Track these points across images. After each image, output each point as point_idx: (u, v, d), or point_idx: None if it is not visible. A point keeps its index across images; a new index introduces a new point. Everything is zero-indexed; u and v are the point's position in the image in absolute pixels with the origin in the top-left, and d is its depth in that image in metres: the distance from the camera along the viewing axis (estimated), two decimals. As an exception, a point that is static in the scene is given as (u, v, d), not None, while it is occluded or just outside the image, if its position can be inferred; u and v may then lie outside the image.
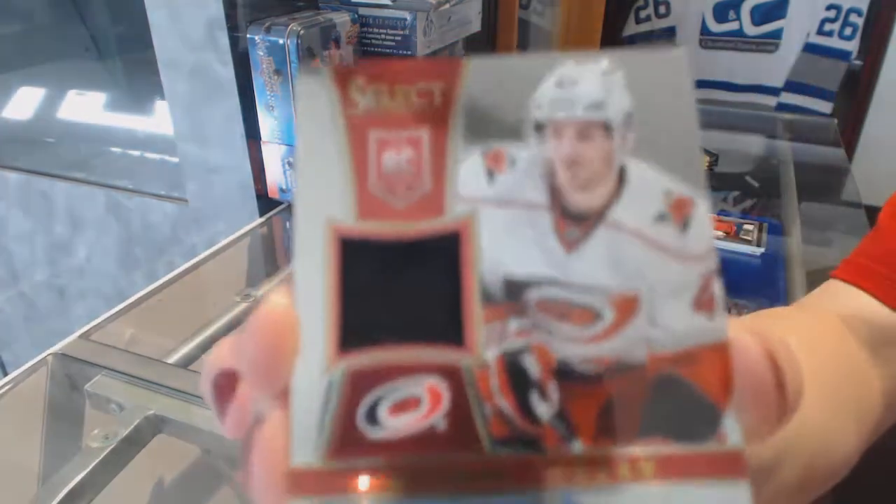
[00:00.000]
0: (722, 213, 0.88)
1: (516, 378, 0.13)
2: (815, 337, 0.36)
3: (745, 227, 0.81)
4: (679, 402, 0.13)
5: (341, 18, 0.79)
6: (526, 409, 0.13)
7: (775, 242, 0.80)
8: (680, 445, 0.13)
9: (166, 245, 0.96)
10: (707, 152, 1.02)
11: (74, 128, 1.25)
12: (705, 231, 0.14)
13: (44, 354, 0.55)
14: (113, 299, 1.08)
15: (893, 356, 0.36)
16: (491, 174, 0.14)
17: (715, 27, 1.74)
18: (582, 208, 0.14)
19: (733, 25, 1.71)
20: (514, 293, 0.14)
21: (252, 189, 0.83)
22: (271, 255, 0.81)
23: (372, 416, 0.13)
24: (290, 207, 0.85)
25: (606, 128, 0.14)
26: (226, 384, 0.15)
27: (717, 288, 0.14)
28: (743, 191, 1.00)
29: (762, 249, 0.77)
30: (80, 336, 0.57)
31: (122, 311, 0.62)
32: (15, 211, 1.07)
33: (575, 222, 0.14)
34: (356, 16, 0.82)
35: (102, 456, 0.44)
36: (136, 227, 0.97)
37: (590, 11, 1.48)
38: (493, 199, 0.14)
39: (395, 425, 0.13)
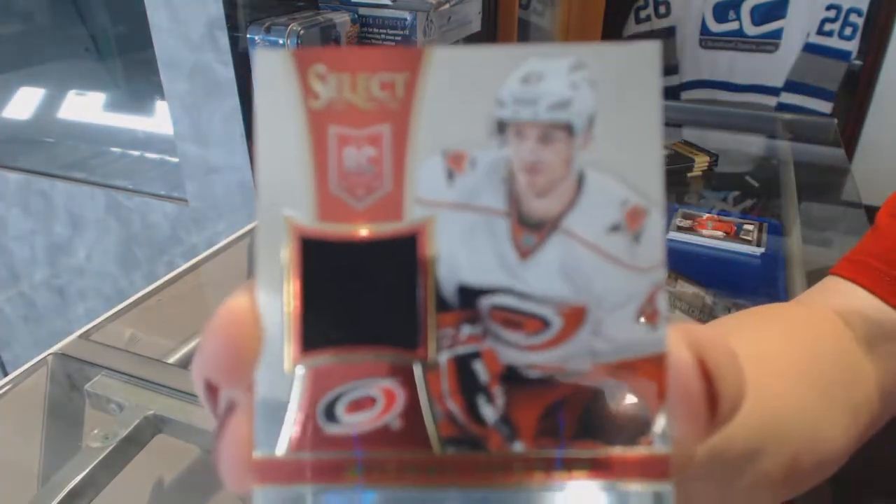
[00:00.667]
0: (722, 213, 0.88)
1: (465, 382, 0.14)
2: (810, 333, 0.36)
3: (745, 227, 0.81)
4: (614, 409, 0.14)
5: (341, 18, 0.79)
6: (473, 412, 0.14)
7: (775, 242, 0.80)
8: (612, 448, 0.14)
9: (166, 245, 0.96)
10: (707, 152, 1.03)
11: (74, 128, 1.25)
12: (657, 243, 0.14)
13: (44, 354, 0.55)
14: (113, 299, 1.08)
15: (891, 352, 0.36)
16: (451, 175, 0.14)
17: (715, 27, 1.74)
18: (539, 215, 0.14)
19: (733, 25, 1.71)
20: (467, 300, 0.14)
21: (252, 189, 0.83)
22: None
23: (330, 413, 0.14)
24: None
25: (569, 130, 0.14)
26: (212, 390, 0.15)
27: (662, 300, 0.14)
28: (743, 191, 1.00)
29: (762, 249, 0.77)
30: (80, 336, 0.57)
31: (122, 311, 0.62)
32: (15, 211, 1.07)
33: (531, 230, 0.14)
34: (356, 16, 0.82)
35: (102, 456, 0.44)
36: (136, 227, 0.97)
37: (590, 11, 1.48)
38: (451, 202, 0.14)
39: (351, 422, 0.14)
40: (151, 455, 0.48)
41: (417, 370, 0.14)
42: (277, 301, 0.14)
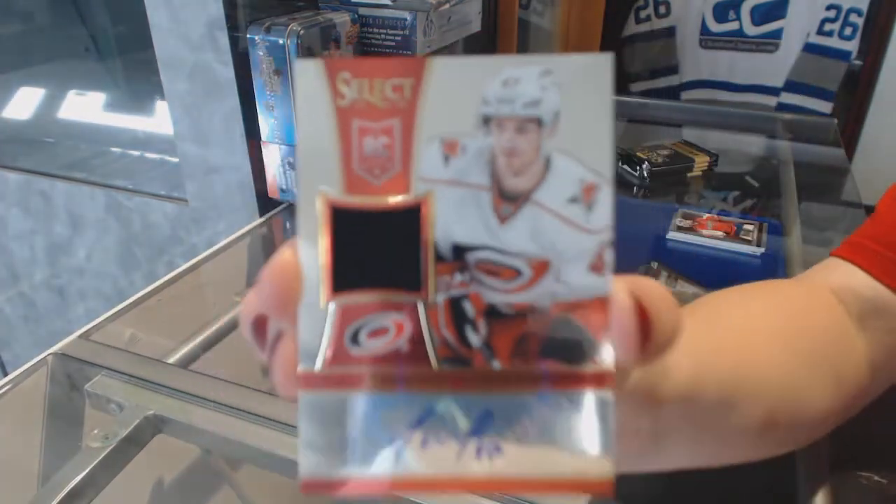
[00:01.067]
0: (722, 213, 0.88)
1: (457, 316, 0.18)
2: (801, 307, 0.39)
3: (745, 227, 0.81)
4: (570, 336, 0.18)
5: (341, 18, 0.79)
6: (462, 338, 0.18)
7: (775, 242, 0.80)
8: (568, 366, 0.18)
9: (166, 245, 0.96)
10: (707, 152, 1.03)
11: (74, 128, 1.25)
12: (606, 211, 0.18)
13: (44, 354, 0.55)
14: (113, 299, 1.08)
15: (880, 326, 0.39)
16: (447, 159, 0.18)
17: (715, 27, 1.74)
18: (515, 190, 0.18)
19: (733, 25, 1.71)
20: (458, 255, 0.18)
21: (252, 189, 0.83)
22: (271, 255, 0.81)
23: (354, 339, 0.18)
24: (290, 207, 0.85)
25: (539, 123, 0.18)
26: (260, 325, 0.19)
27: (608, 255, 0.18)
28: (743, 191, 1.00)
29: (762, 249, 0.77)
30: (80, 336, 0.57)
31: (122, 311, 0.62)
32: (15, 211, 1.07)
33: (508, 201, 0.18)
34: (356, 16, 0.82)
35: (102, 456, 0.44)
36: (136, 227, 0.97)
37: (590, 11, 1.48)
38: (447, 179, 0.18)
39: (370, 345, 0.18)
40: (151, 455, 0.48)
41: (420, 307, 0.18)
42: (314, 254, 0.18)
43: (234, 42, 0.75)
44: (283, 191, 0.82)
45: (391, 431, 0.18)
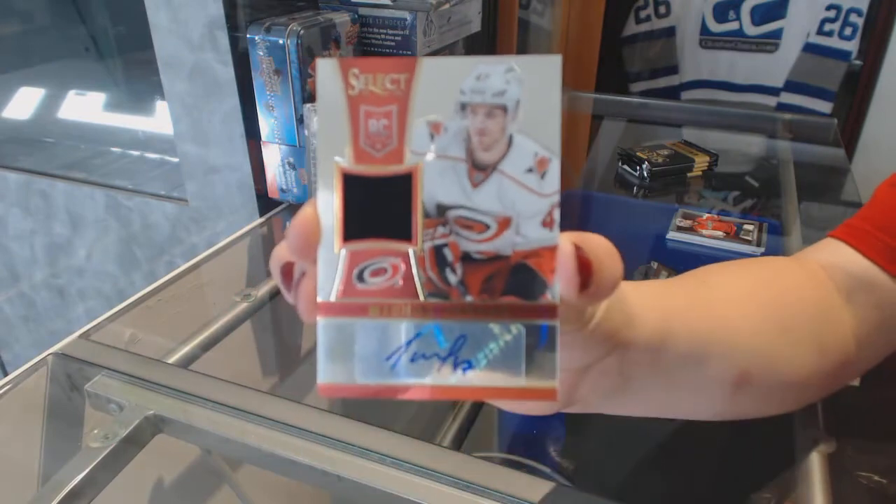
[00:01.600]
0: (722, 213, 0.88)
1: (439, 260, 0.23)
2: (788, 281, 0.41)
3: (745, 227, 0.81)
4: (526, 278, 0.23)
5: (341, 18, 0.79)
6: (443, 278, 0.23)
7: (775, 242, 0.80)
8: (524, 300, 0.23)
9: (166, 245, 0.96)
10: (707, 152, 1.02)
11: (74, 128, 1.25)
12: (555, 179, 0.22)
13: (44, 354, 0.55)
14: (113, 299, 1.08)
15: (867, 301, 0.41)
16: (432, 137, 0.23)
17: (715, 27, 1.74)
18: (484, 162, 0.23)
19: (733, 25, 1.71)
20: (441, 212, 0.23)
21: (252, 189, 0.83)
22: (271, 255, 0.81)
23: (360, 277, 0.23)
24: (290, 207, 0.85)
25: (504, 109, 0.22)
26: (287, 271, 0.24)
27: (556, 214, 0.22)
28: (743, 191, 1.00)
29: (762, 249, 0.77)
30: (80, 336, 0.57)
31: (122, 311, 0.62)
32: (15, 211, 1.07)
33: (479, 170, 0.23)
34: (356, 16, 0.82)
35: (102, 456, 0.44)
36: (136, 227, 0.97)
37: (590, 11, 1.48)
38: (432, 153, 0.23)
39: (372, 282, 0.23)
40: (151, 455, 0.48)
41: (411, 253, 0.23)
42: (330, 211, 0.23)
43: (234, 42, 0.75)
44: (282, 191, 0.82)
45: (388, 348, 0.23)
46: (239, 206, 0.85)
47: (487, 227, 0.23)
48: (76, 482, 0.42)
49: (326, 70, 0.22)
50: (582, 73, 1.54)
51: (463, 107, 0.22)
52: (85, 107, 1.26)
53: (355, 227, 0.23)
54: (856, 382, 0.45)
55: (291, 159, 0.79)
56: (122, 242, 1.00)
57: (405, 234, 0.23)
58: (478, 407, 0.75)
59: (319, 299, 0.23)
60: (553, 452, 0.75)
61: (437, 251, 0.23)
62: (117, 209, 0.97)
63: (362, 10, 0.83)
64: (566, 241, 0.22)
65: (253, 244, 0.81)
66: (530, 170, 0.22)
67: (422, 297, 0.23)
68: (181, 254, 0.95)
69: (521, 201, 0.22)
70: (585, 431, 0.76)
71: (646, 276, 0.93)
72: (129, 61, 1.26)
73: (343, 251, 0.23)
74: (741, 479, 0.59)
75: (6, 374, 0.53)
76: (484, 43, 1.17)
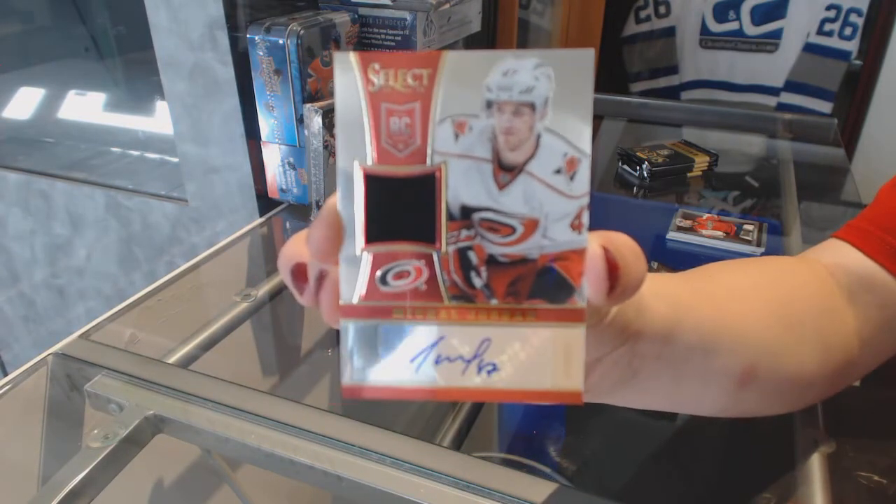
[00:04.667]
0: (722, 213, 0.88)
1: (463, 263, 0.22)
2: (793, 280, 0.42)
3: (745, 227, 0.81)
4: (553, 281, 0.22)
5: (341, 18, 0.79)
6: (468, 281, 0.22)
7: (775, 242, 0.80)
8: (551, 304, 0.22)
9: (166, 245, 0.96)
10: (707, 152, 1.02)
11: (74, 128, 1.25)
12: (585, 180, 0.22)
13: (44, 354, 0.55)
14: (113, 299, 1.08)
15: (870, 301, 0.41)
16: (457, 136, 0.22)
17: (715, 27, 1.74)
18: (511, 162, 0.22)
19: (733, 25, 1.71)
20: (466, 214, 0.22)
21: (252, 189, 0.83)
22: (271, 255, 0.81)
23: (383, 280, 0.22)
24: (289, 207, 0.85)
25: (532, 107, 0.21)
26: (299, 272, 0.24)
27: (586, 217, 0.22)
28: (743, 191, 1.00)
29: (762, 249, 0.77)
30: (80, 336, 0.57)
31: (122, 311, 0.62)
32: (15, 211, 1.07)
33: (506, 171, 0.22)
34: (356, 16, 0.82)
35: (102, 456, 0.44)
36: (136, 227, 0.97)
37: (590, 11, 1.48)
38: (457, 153, 0.22)
39: (396, 285, 0.22)
40: (151, 455, 0.48)
41: (435, 256, 0.22)
42: (352, 212, 0.22)
43: (234, 42, 0.75)
44: (282, 191, 0.82)
45: (412, 351, 0.23)
46: (239, 206, 0.85)
47: (514, 229, 0.22)
48: (76, 482, 0.42)
49: (344, 64, 0.21)
50: (582, 73, 1.54)
51: (489, 104, 0.21)
52: (85, 107, 1.26)
53: (378, 228, 0.22)
54: (856, 382, 0.45)
55: (291, 159, 0.79)
56: (122, 242, 1.00)
57: (429, 237, 0.22)
58: (478, 407, 0.75)
59: (342, 302, 0.22)
60: (553, 452, 0.75)
61: (462, 254, 0.22)
62: (117, 209, 0.97)
63: (362, 10, 0.83)
64: (595, 245, 0.22)
65: (253, 244, 0.81)
66: (559, 170, 0.21)
67: (446, 301, 0.22)
68: (181, 254, 0.95)
69: (549, 203, 0.22)
70: (585, 431, 0.76)
71: (646, 276, 0.92)
72: (129, 61, 1.26)
73: (366, 254, 0.22)
74: (741, 479, 0.59)
75: (6, 374, 0.53)
76: (484, 43, 1.17)
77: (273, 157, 0.80)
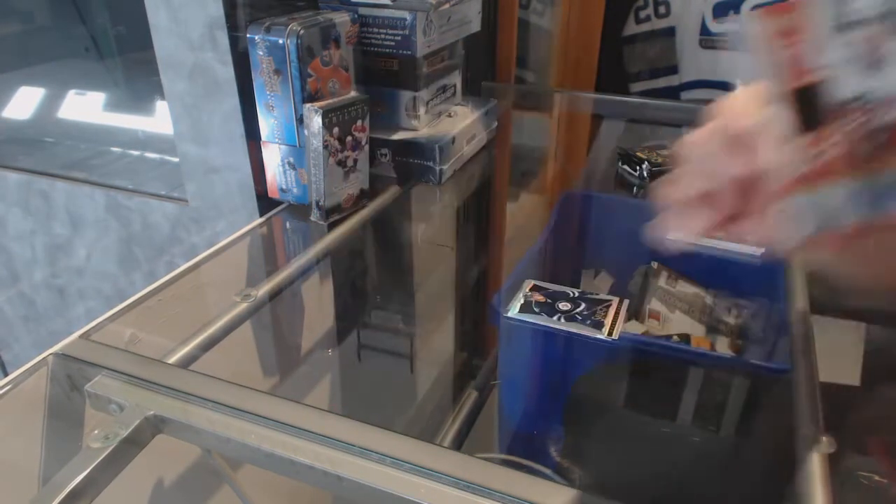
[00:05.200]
0: (722, 213, 0.88)
1: (863, 134, 0.29)
2: None
3: (745, 227, 0.81)
4: None
5: (341, 18, 0.79)
6: (870, 143, 0.29)
7: (775, 242, 0.79)
8: None
9: (166, 245, 0.96)
10: (707, 152, 1.02)
11: (74, 128, 1.25)
12: None
13: (44, 354, 0.55)
14: (113, 299, 1.08)
15: None
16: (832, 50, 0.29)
17: (715, 27, 1.74)
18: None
19: (733, 25, 1.71)
20: (850, 102, 0.29)
21: (252, 189, 0.83)
22: (271, 255, 0.81)
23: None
24: (289, 207, 0.85)
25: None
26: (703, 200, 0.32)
27: None
28: (743, 191, 1.00)
29: (762, 249, 0.77)
30: (80, 336, 0.57)
31: (122, 311, 0.62)
32: (15, 211, 1.07)
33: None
34: (356, 16, 0.82)
35: (103, 456, 0.44)
36: (136, 227, 0.97)
37: (590, 11, 1.48)
38: (836, 63, 0.29)
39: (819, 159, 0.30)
40: (152, 455, 0.48)
41: (840, 134, 0.29)
42: (780, 123, 0.31)
43: (234, 42, 0.75)
44: (282, 191, 0.82)
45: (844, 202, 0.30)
46: (239, 206, 0.85)
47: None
48: (76, 482, 0.42)
49: (755, 27, 0.31)
50: (582, 73, 1.54)
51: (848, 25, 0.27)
52: (85, 107, 1.26)
53: (809, 120, 0.29)
54: (856, 382, 0.45)
55: (291, 159, 0.79)
56: (122, 242, 1.00)
57: (831, 121, 0.29)
58: (478, 407, 0.75)
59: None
60: (553, 452, 0.75)
61: (860, 128, 0.28)
62: (117, 209, 0.97)
63: (362, 10, 0.83)
64: None
65: (253, 244, 0.80)
66: None
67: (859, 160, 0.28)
68: (181, 254, 0.95)
69: None
70: (585, 431, 0.76)
71: (645, 277, 0.92)
72: (129, 61, 1.26)
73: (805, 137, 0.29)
74: (741, 479, 0.59)
75: (6, 374, 0.53)
76: (484, 43, 1.17)
77: (273, 157, 0.80)
